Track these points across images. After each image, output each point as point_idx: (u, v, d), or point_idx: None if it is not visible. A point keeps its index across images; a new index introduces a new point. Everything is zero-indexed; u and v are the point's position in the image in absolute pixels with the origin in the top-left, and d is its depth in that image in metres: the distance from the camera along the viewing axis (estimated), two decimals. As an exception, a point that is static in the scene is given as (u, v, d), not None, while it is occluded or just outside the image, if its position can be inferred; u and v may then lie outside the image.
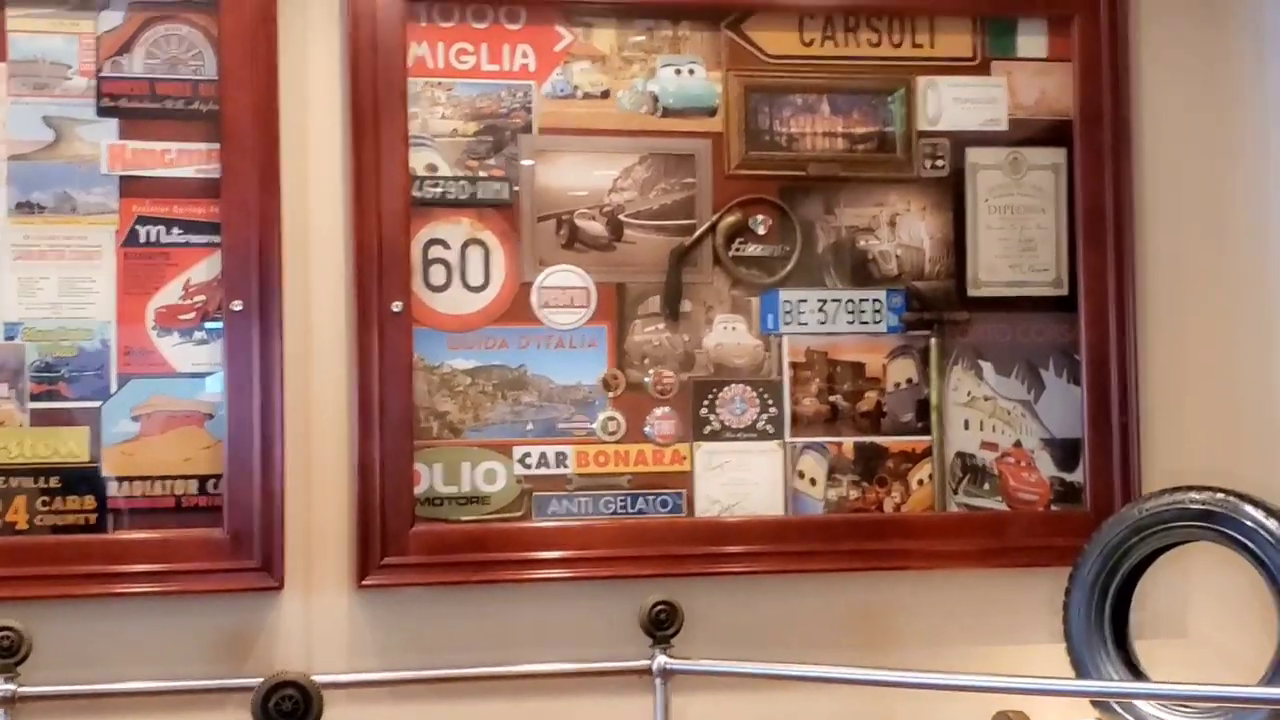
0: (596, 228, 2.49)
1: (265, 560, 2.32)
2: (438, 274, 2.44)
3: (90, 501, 2.30)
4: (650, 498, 2.48)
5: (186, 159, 2.35)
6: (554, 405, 2.46)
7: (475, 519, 2.44)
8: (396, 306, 2.37)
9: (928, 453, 2.57)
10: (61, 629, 2.25)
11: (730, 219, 2.52)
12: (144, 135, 2.34)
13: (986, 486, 2.58)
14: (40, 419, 2.30)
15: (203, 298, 2.35)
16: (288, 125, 2.36)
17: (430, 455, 2.42)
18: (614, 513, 2.47)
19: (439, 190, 2.44)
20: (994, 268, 2.60)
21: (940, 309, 2.58)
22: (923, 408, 2.57)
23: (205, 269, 2.35)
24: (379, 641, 2.41)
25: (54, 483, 2.29)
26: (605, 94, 2.50)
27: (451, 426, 2.44)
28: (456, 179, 2.45)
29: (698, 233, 2.51)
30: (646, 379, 2.49)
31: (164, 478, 2.33)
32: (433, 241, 2.44)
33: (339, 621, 2.40)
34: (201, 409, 2.35)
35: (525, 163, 2.46)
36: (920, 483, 2.56)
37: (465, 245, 2.45)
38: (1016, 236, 2.59)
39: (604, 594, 2.43)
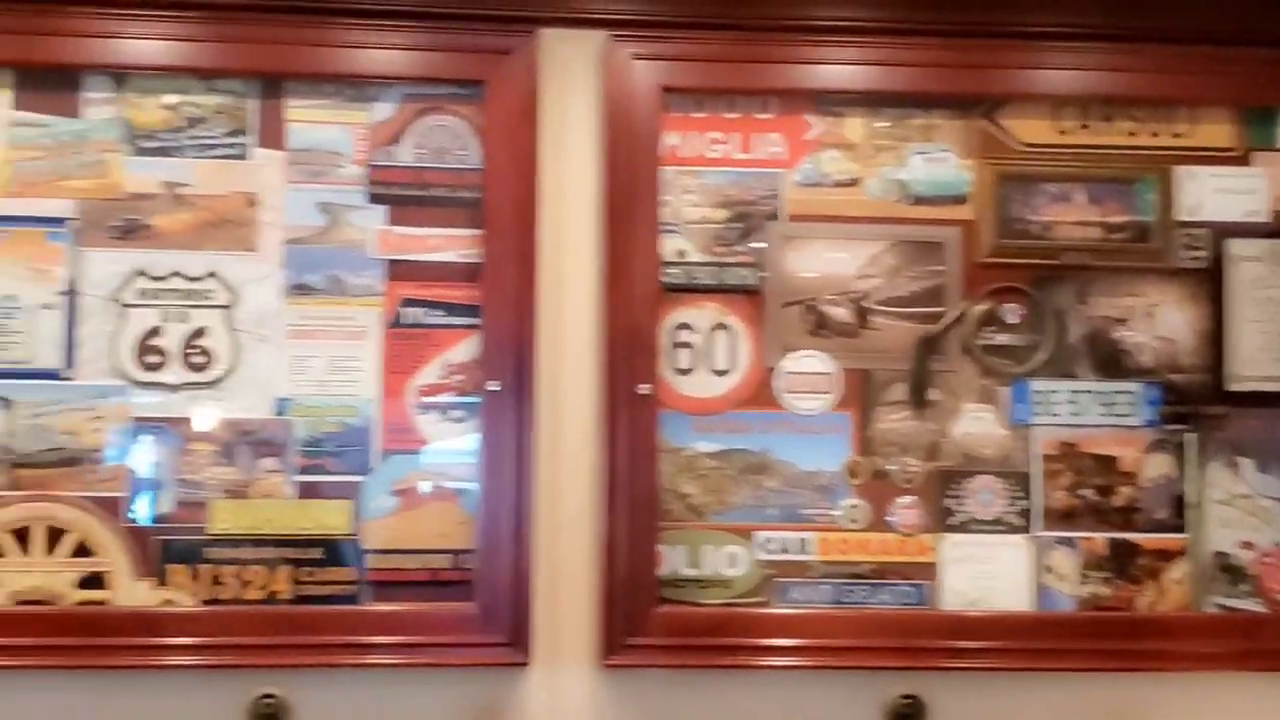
0: (842, 314, 2.49)
1: (514, 636, 2.36)
2: (684, 358, 2.47)
3: (350, 573, 2.38)
4: (893, 588, 2.45)
5: (449, 244, 2.43)
6: (797, 491, 2.46)
7: (717, 603, 2.44)
8: (644, 389, 2.41)
9: (1183, 551, 2.49)
10: (318, 696, 2.33)
11: (980, 307, 2.49)
12: (410, 221, 2.44)
13: (1244, 587, 2.48)
14: (306, 492, 2.39)
15: (461, 377, 2.42)
16: (546, 212, 2.43)
17: (673, 537, 2.44)
18: (856, 602, 2.45)
19: (687, 275, 2.47)
20: (1254, 361, 2.51)
21: (1197, 403, 2.50)
22: (1178, 504, 2.49)
23: (464, 350, 2.42)
24: (621, 720, 2.43)
25: (316, 554, 2.38)
26: (854, 181, 2.51)
27: (695, 509, 2.45)
28: (705, 264, 2.48)
29: (946, 320, 2.49)
30: (891, 467, 2.47)
31: (419, 551, 2.40)
32: (680, 326, 2.47)
33: (583, 699, 2.43)
34: (456, 485, 2.41)
35: (772, 250, 2.48)
36: (1175, 582, 2.48)
37: (712, 329, 2.47)
38: (1278, 330, 2.51)
39: (845, 684, 2.41)
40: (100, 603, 2.32)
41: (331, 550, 2.38)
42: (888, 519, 2.47)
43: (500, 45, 2.41)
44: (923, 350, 2.49)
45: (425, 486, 2.41)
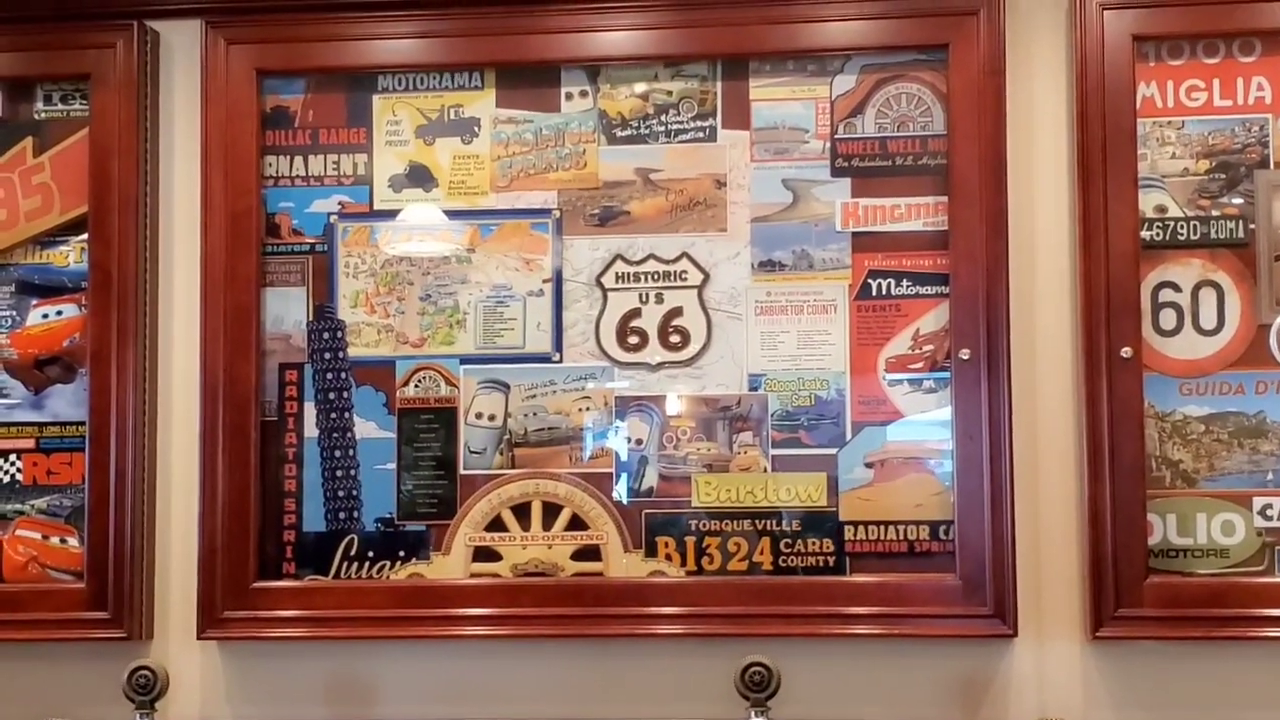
0: (1342, 264, 2.32)
1: (998, 607, 2.32)
2: (1168, 318, 2.36)
3: (828, 545, 2.39)
4: None
5: (915, 213, 2.41)
6: (1298, 454, 2.32)
7: (1212, 572, 2.32)
8: (1126, 352, 2.31)
9: None
10: (802, 665, 2.35)
11: None
12: (874, 193, 2.43)
13: None
14: (782, 465, 2.42)
15: (931, 347, 2.40)
16: (1014, 173, 2.37)
17: (1162, 505, 2.34)
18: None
19: (1169, 232, 2.36)
20: None
21: None
22: None
23: (933, 319, 2.40)
24: (1113, 694, 2.35)
25: (794, 526, 2.41)
26: (1352, 121, 2.33)
27: (1185, 476, 2.34)
28: (1187, 219, 2.36)
29: None
30: None
31: (896, 523, 2.39)
32: (1162, 285, 2.36)
33: (1070, 672, 2.37)
34: (930, 456, 2.39)
35: (1261, 200, 2.34)
36: None
37: (1197, 288, 2.36)
38: None
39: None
40: (596, 574, 2.42)
41: (809, 522, 2.40)
42: (1405, 482, 2.29)
43: (964, 6, 2.37)
44: None
45: (898, 458, 2.39)
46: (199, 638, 2.42)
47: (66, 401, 2.51)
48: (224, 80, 2.46)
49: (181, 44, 2.51)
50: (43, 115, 2.54)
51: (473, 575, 2.43)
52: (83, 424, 2.48)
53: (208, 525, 2.42)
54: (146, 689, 2.25)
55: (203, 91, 2.47)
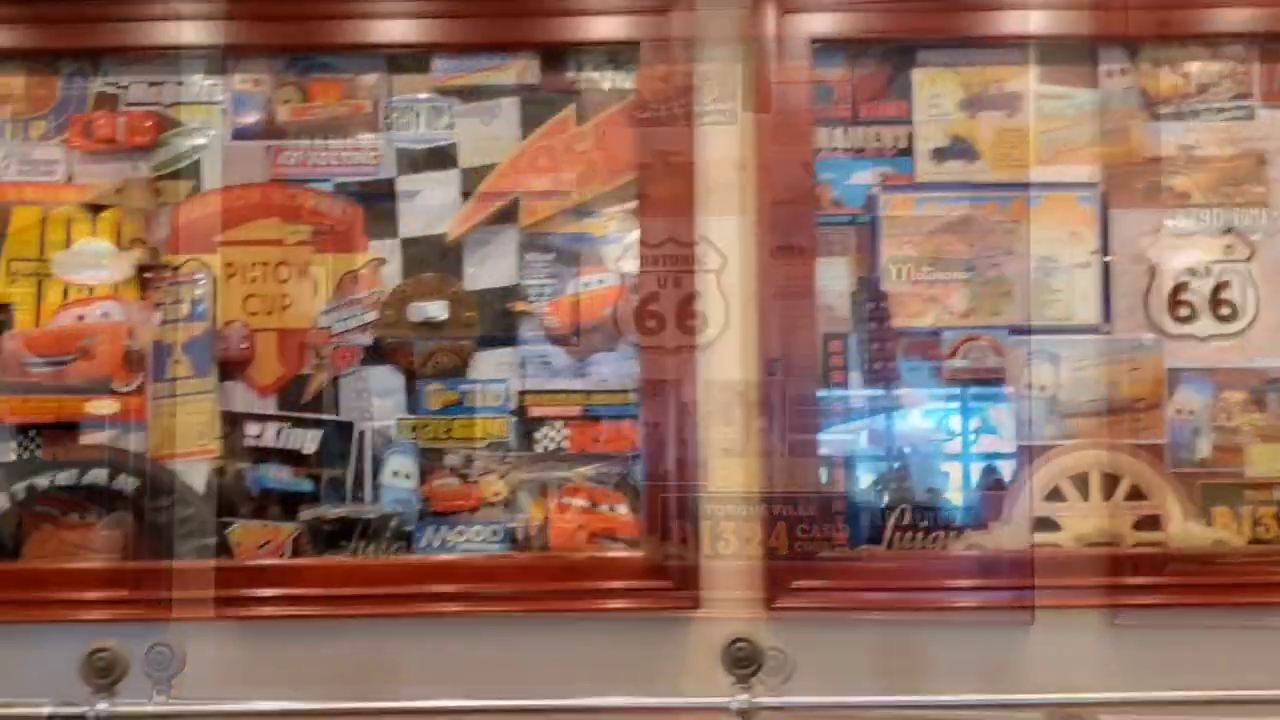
0: None
1: None
2: None
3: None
4: None
5: None
6: None
7: None
8: None
9: None
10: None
11: None
12: None
13: None
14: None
15: None
16: None
17: None
18: None
19: None
20: None
21: None
22: None
23: None
24: None
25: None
26: None
27: None
28: None
29: None
30: None
31: None
32: None
33: None
34: None
35: None
36: None
37: None
38: None
39: None
40: (1157, 544, 2.43)
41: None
42: None
43: None
44: None
45: None
46: (770, 608, 2.38)
47: (610, 369, 2.48)
48: (777, 50, 2.46)
49: (714, 16, 2.50)
50: (581, 85, 2.53)
51: (1034, 546, 2.43)
52: (627, 391, 2.45)
53: (766, 496, 2.39)
54: (747, 662, 2.21)
55: (752, 60, 2.47)
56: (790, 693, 2.30)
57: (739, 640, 2.20)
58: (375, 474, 2.45)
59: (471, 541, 2.44)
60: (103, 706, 2.20)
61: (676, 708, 2.34)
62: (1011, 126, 2.52)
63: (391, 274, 2.50)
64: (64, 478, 2.40)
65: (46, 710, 2.26)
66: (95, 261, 2.43)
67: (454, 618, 2.38)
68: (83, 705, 2.20)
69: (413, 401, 2.47)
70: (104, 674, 2.19)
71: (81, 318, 2.46)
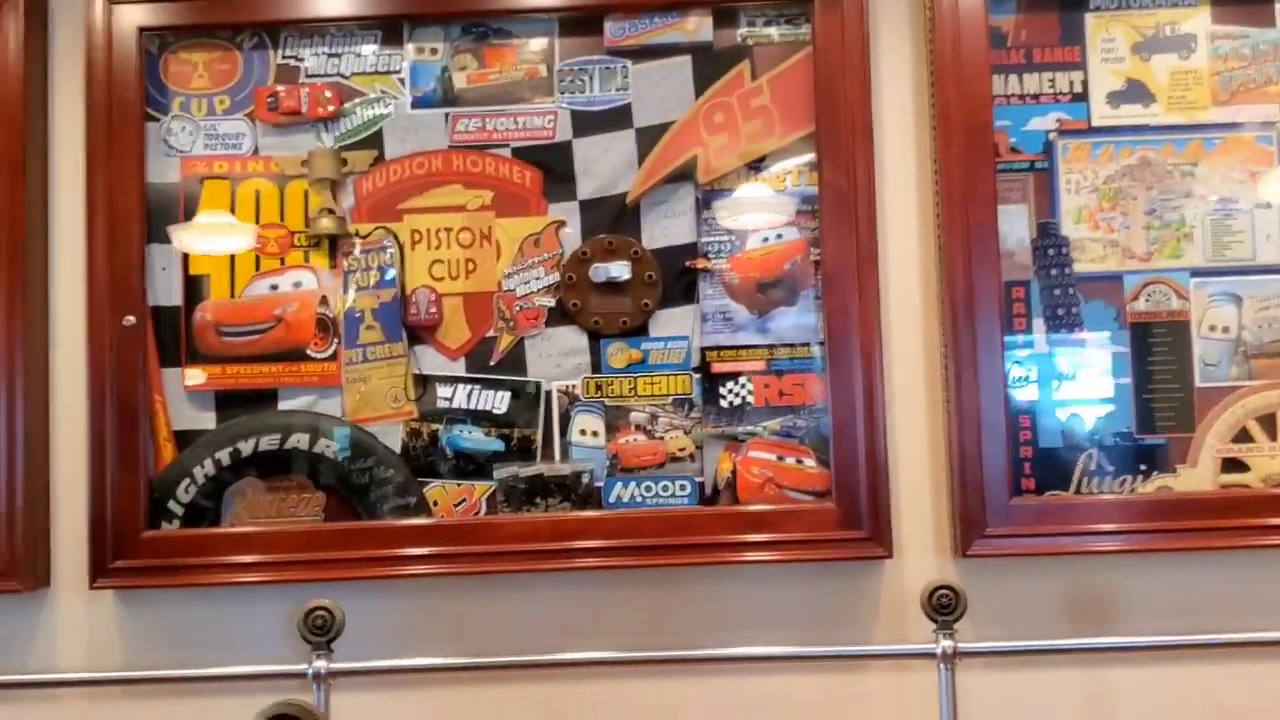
0: None
1: None
2: None
3: None
4: None
5: None
6: None
7: None
8: None
9: None
10: None
11: None
12: None
13: None
14: None
15: None
16: None
17: None
18: None
19: None
20: None
21: None
22: None
23: None
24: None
25: None
26: None
27: None
28: None
29: None
30: None
31: None
32: None
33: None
34: None
35: None
36: None
37: None
38: None
39: None
40: (1346, 485, 2.43)
41: None
42: None
43: None
44: None
45: None
46: (963, 555, 2.40)
47: (791, 324, 2.50)
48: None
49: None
50: (749, 41, 2.54)
51: (1222, 487, 2.43)
52: (809, 345, 2.48)
53: (958, 444, 2.41)
54: (949, 609, 2.25)
55: (926, 8, 2.48)
56: (988, 638, 2.34)
57: (941, 588, 2.24)
58: (563, 432, 2.49)
59: (660, 496, 2.48)
60: (320, 664, 2.28)
61: (882, 654, 2.39)
62: (1186, 68, 2.51)
63: (571, 236, 2.53)
64: (267, 443, 2.45)
65: (267, 669, 2.34)
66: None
67: (649, 570, 2.43)
68: (301, 663, 2.28)
69: (596, 360, 2.51)
70: (321, 632, 2.26)
71: (274, 287, 2.51)
